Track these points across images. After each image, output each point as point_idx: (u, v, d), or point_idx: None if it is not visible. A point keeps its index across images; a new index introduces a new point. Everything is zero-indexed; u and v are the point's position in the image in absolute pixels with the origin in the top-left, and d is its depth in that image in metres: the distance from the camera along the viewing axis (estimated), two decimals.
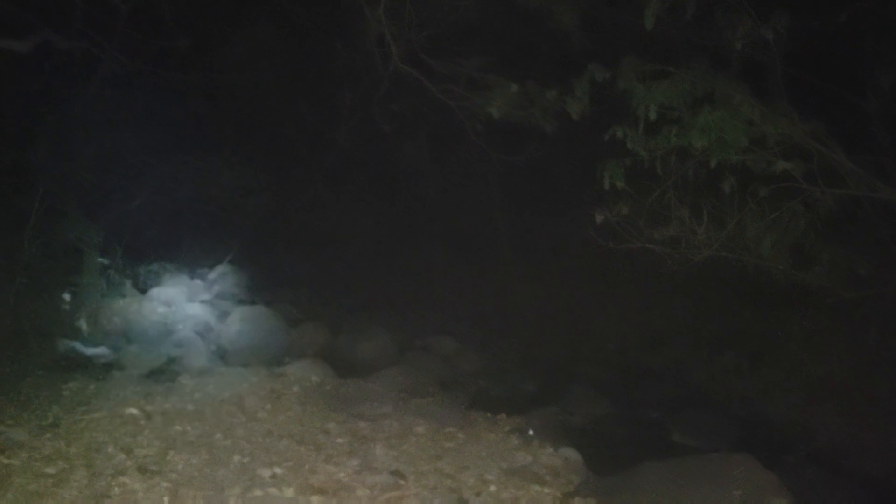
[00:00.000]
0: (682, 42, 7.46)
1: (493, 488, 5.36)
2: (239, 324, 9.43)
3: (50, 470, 5.03)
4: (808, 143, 6.41)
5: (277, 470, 5.38)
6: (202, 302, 10.48)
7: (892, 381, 6.45)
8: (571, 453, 6.14)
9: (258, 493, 5.04)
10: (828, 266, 6.58)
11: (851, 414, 6.57)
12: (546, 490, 5.40)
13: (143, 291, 10.30)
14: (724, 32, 6.52)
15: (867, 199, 6.38)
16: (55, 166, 8.22)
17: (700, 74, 6.61)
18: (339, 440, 6.17)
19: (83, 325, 8.84)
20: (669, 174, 6.93)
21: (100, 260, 9.38)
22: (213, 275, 12.40)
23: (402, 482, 5.33)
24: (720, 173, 6.69)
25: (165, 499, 4.85)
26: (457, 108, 9.38)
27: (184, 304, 10.10)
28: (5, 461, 5.09)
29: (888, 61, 6.77)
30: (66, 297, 8.89)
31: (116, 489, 4.90)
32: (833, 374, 6.89)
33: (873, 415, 6.41)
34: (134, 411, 6.31)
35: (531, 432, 6.71)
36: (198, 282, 11.79)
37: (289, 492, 5.11)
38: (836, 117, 6.66)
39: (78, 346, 8.39)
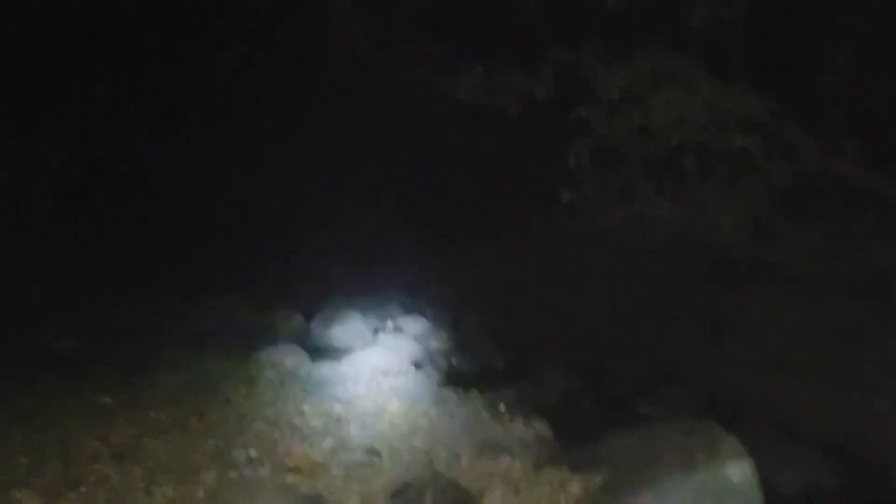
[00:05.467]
0: (644, 23, 7.60)
1: (464, 462, 5.49)
2: (214, 312, 9.45)
3: (23, 460, 5.06)
4: (766, 120, 6.59)
5: (252, 452, 5.45)
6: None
7: (847, 349, 6.68)
8: (542, 427, 6.28)
9: (233, 474, 5.12)
10: (786, 240, 6.78)
11: (810, 382, 6.79)
12: (517, 462, 5.53)
13: None
14: (683, 12, 6.67)
15: (822, 174, 6.57)
16: None
17: (660, 54, 6.76)
18: (314, 422, 6.25)
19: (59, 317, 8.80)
20: (633, 153, 7.08)
21: None
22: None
23: (376, 459, 5.44)
24: (682, 151, 6.86)
25: (141, 483, 4.92)
26: (425, 92, 9.46)
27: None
28: None
29: (842, 39, 6.95)
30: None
31: (91, 476, 4.95)
32: (793, 344, 7.10)
33: (830, 381, 6.65)
34: (108, 400, 6.34)
35: (502, 408, 6.84)
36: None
37: (264, 472, 5.20)
38: (793, 95, 6.84)
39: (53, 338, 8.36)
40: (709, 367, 7.58)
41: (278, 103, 12.38)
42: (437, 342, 9.46)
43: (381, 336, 9.24)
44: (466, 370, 8.52)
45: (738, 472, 4.47)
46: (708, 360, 7.64)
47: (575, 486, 5.00)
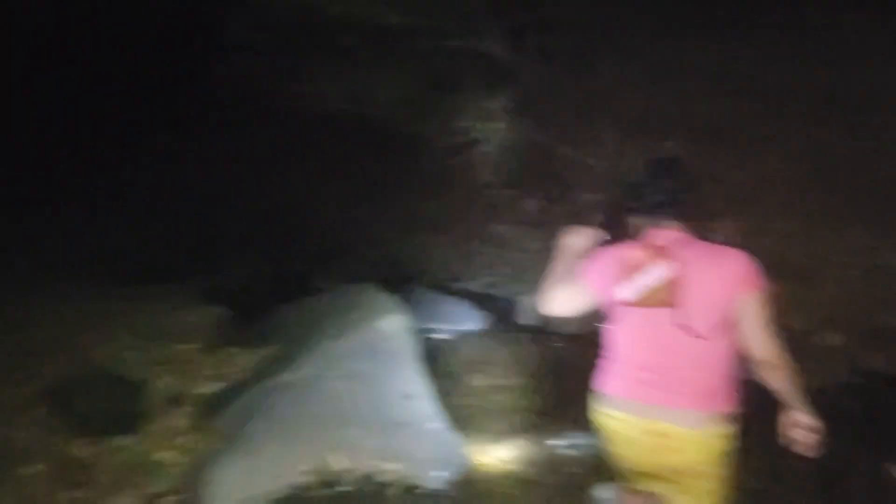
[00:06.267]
0: None
1: (132, 353, 5.36)
2: None
3: None
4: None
5: None
6: None
7: (490, 216, 7.49)
8: (219, 310, 6.30)
9: None
10: (438, 115, 7.30)
11: (459, 245, 7.59)
12: (191, 346, 5.55)
13: None
14: None
15: (467, 52, 7.08)
16: None
17: None
18: None
19: None
20: (294, 28, 7.02)
21: None
22: None
23: (31, 361, 5.10)
24: (341, 28, 6.94)
25: None
26: None
27: None
28: None
29: None
30: None
31: None
32: (448, 211, 7.80)
33: (469, 241, 7.50)
34: None
35: (180, 297, 6.72)
36: None
37: None
38: None
39: None
40: (377, 238, 8.08)
41: None
42: (115, 241, 8.89)
43: None
44: (144, 267, 8.15)
45: (391, 324, 4.93)
46: (378, 234, 8.12)
47: (244, 359, 5.19)
